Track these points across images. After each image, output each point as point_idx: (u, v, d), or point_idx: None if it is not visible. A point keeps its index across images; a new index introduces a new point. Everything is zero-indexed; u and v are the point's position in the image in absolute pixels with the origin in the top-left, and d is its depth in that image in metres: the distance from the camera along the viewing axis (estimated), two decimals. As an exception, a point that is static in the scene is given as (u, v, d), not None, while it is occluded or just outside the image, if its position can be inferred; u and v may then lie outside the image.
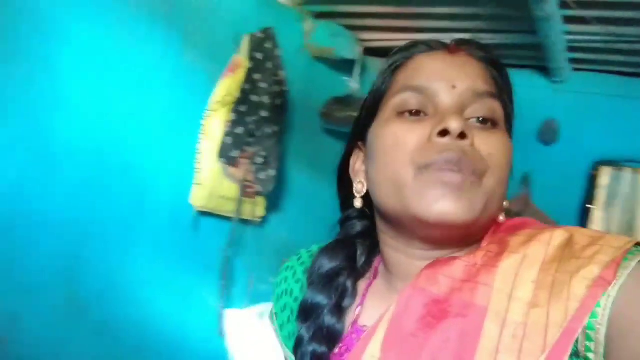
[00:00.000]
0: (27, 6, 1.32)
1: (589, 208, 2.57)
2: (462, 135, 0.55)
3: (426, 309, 0.54)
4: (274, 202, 2.24)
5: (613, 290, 0.47)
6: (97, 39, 1.51)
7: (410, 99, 0.59)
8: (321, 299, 0.65)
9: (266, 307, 2.09)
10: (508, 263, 0.53)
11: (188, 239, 1.91)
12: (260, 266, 2.23)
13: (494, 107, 0.59)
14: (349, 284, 0.66)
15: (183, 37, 1.80)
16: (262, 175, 1.99)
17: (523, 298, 0.50)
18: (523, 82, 2.58)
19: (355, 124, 0.69)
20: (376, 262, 0.69)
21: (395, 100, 0.61)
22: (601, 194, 2.60)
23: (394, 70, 0.64)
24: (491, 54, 0.63)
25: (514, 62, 2.59)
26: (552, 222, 2.52)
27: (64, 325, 1.52)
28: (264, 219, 2.19)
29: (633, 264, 0.49)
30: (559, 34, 2.01)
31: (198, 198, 1.86)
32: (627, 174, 2.49)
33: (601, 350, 0.47)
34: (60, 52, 1.42)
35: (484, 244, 0.60)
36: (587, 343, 0.47)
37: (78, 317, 1.55)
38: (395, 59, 0.64)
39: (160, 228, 1.80)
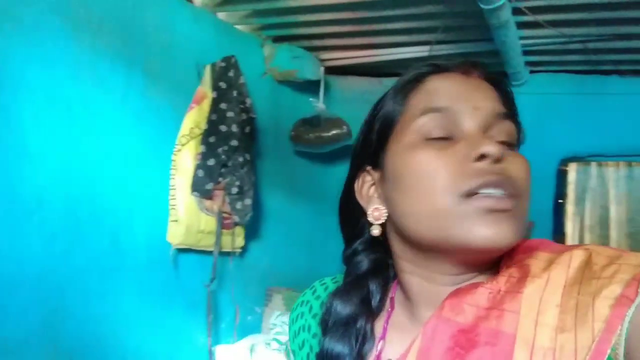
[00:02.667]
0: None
1: (561, 204, 2.63)
2: (498, 160, 0.55)
3: (453, 340, 0.53)
4: (252, 230, 2.22)
5: (630, 310, 0.47)
6: (57, 84, 1.48)
7: (434, 120, 0.58)
8: (341, 348, 0.63)
9: (255, 339, 2.05)
10: (532, 288, 0.52)
11: (169, 278, 1.86)
12: (245, 297, 2.19)
13: (512, 129, 0.59)
14: (367, 328, 0.64)
15: (145, 73, 1.77)
16: (238, 205, 1.96)
17: (549, 323, 0.49)
18: (484, 87, 2.65)
19: (362, 148, 0.66)
20: (391, 292, 0.68)
21: (418, 123, 0.59)
22: (571, 189, 2.67)
23: (407, 93, 0.61)
24: (497, 76, 0.63)
25: (473, 69, 2.66)
26: (528, 223, 2.57)
27: (47, 383, 1.45)
28: (245, 249, 2.16)
29: None
30: (514, 40, 2.06)
31: (175, 235, 1.82)
32: (593, 168, 2.56)
33: None
34: (19, 101, 1.38)
35: (503, 267, 0.59)
36: None
37: (61, 373, 1.49)
38: (408, 81, 0.62)
39: (140, 270, 1.75)
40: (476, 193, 0.54)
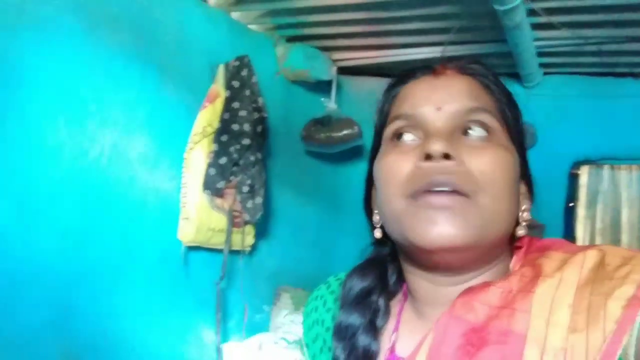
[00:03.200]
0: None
1: (572, 207, 2.61)
2: (446, 156, 0.55)
3: (464, 338, 0.53)
4: (262, 229, 2.22)
5: None
6: (72, 82, 1.49)
7: (400, 128, 0.61)
8: (354, 318, 0.64)
9: (263, 338, 2.06)
10: (544, 288, 0.52)
11: (179, 276, 1.87)
12: (254, 295, 2.20)
13: (486, 121, 0.59)
14: (381, 302, 0.66)
15: (159, 72, 1.78)
16: (249, 204, 1.97)
17: (561, 323, 0.49)
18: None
19: (370, 155, 0.70)
20: (405, 285, 0.69)
21: (387, 132, 0.62)
22: (583, 193, 2.64)
23: (387, 102, 0.65)
24: (481, 67, 0.63)
25: (486, 70, 2.64)
26: (539, 225, 2.56)
27: (59, 378, 1.46)
28: (254, 247, 2.17)
29: None
30: (528, 41, 2.05)
31: (186, 233, 1.83)
32: (606, 172, 2.54)
33: None
34: (35, 99, 1.39)
35: (516, 266, 0.59)
36: None
37: (72, 368, 1.50)
38: (388, 94, 0.65)
39: (150, 267, 1.76)
40: (423, 193, 0.55)
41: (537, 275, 0.54)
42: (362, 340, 0.63)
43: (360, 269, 0.69)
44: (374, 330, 0.64)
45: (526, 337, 0.50)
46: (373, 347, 0.63)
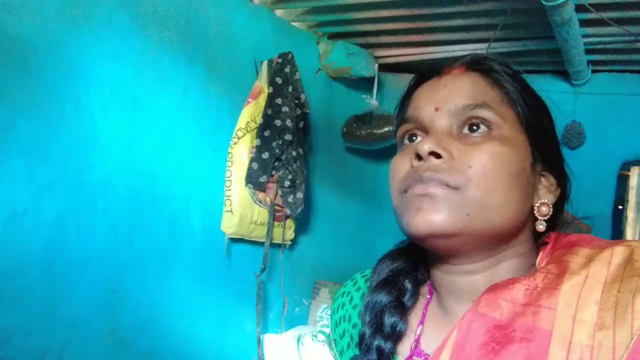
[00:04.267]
0: (54, 52, 1.37)
1: (621, 210, 2.53)
2: (436, 155, 0.57)
3: (489, 335, 0.53)
4: (302, 224, 2.25)
5: None
6: (124, 77, 1.56)
7: (406, 130, 0.64)
8: (382, 296, 0.66)
9: (302, 330, 2.09)
10: (570, 285, 0.52)
11: (222, 266, 1.93)
12: (293, 289, 2.23)
13: (486, 117, 0.59)
14: (409, 284, 0.67)
15: (205, 68, 1.84)
16: (290, 198, 2.00)
17: (588, 320, 0.49)
18: (543, 87, 2.57)
19: None
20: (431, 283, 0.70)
21: (398, 134, 0.66)
22: (632, 195, 2.56)
23: (403, 105, 0.68)
24: (488, 62, 0.63)
25: (533, 67, 2.59)
26: (586, 228, 2.48)
27: (108, 357, 1.53)
28: (294, 242, 2.21)
29: None
30: (577, 38, 1.99)
31: (229, 225, 1.88)
32: (657, 173, 2.45)
33: None
34: (90, 93, 1.46)
35: (542, 263, 0.59)
36: None
37: (121, 349, 1.57)
38: (403, 97, 0.69)
39: (195, 257, 1.82)
40: (412, 187, 0.59)
41: (563, 272, 0.54)
42: (389, 317, 0.64)
43: (391, 254, 0.71)
44: (401, 308, 0.65)
45: (552, 334, 0.50)
46: (400, 326, 0.64)
